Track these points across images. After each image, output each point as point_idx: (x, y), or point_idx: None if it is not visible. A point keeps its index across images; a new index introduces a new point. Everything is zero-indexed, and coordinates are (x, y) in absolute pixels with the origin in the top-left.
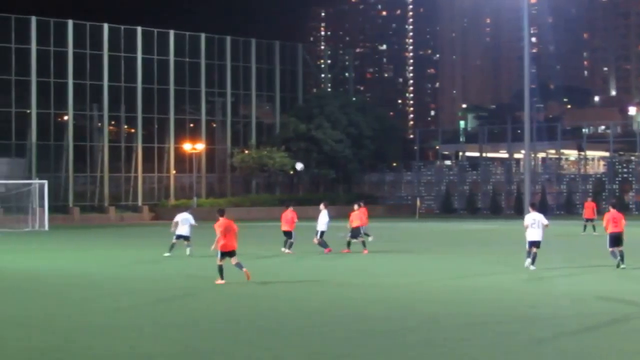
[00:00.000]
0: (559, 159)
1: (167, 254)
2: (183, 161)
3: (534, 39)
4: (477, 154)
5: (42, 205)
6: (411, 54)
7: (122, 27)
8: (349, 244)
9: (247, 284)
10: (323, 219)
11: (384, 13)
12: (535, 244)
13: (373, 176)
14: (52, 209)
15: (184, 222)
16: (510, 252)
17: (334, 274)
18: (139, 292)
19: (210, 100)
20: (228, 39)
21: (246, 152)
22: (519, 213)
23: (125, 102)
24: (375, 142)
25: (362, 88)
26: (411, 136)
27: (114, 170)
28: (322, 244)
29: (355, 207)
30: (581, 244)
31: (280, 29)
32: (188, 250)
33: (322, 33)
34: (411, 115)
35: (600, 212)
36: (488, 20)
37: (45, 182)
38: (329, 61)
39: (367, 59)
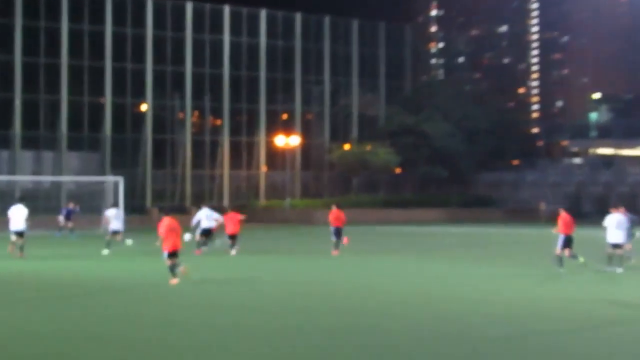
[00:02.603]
0: None
1: (106, 252)
2: (275, 157)
3: None
4: (611, 151)
5: (116, 205)
6: (535, 36)
7: (208, 5)
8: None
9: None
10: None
11: None
12: (616, 246)
13: (489, 176)
14: (128, 209)
15: (117, 217)
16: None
17: (435, 286)
18: (225, 305)
19: (306, 88)
20: (327, 19)
21: (346, 147)
22: None
23: (211, 91)
24: (493, 137)
25: (477, 75)
26: (534, 130)
27: (197, 167)
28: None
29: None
30: None
31: (385, 9)
32: (129, 242)
33: (433, 13)
34: (534, 107)
35: None
36: None
37: (121, 178)
38: (440, 45)
39: (483, 43)
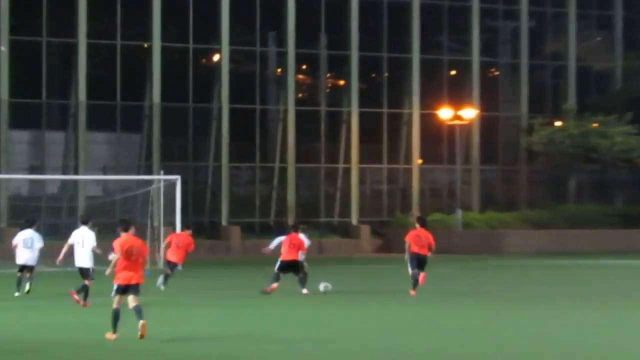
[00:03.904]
0: None
1: (17, 294)
2: (435, 140)
3: None
4: None
5: (170, 223)
6: None
7: None
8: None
9: None
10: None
11: None
12: None
13: None
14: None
15: (26, 243)
16: None
17: None
18: None
19: (487, 24)
20: None
21: (557, 124)
22: None
23: (327, 30)
24: None
25: None
26: None
27: (305, 158)
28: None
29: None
30: None
31: None
32: (27, 286)
33: None
34: None
35: None
36: None
37: (178, 177)
38: None
39: None
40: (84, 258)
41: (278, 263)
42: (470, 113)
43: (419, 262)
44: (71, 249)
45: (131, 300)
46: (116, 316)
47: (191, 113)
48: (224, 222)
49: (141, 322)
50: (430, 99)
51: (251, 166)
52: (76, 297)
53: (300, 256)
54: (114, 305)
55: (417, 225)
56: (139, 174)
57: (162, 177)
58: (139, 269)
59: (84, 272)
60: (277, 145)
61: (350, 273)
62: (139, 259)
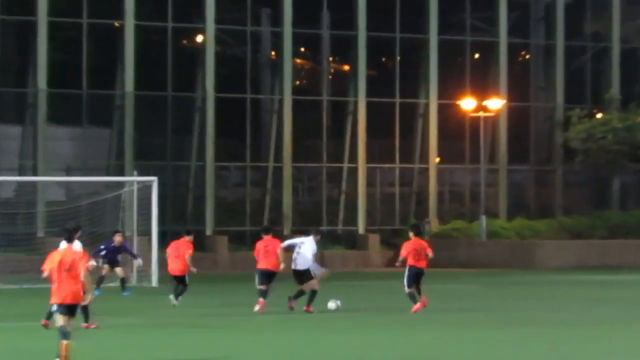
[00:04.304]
0: None
1: None
2: (456, 136)
3: None
4: None
5: (145, 232)
6: None
7: None
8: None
9: None
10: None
11: None
12: None
13: None
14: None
15: None
16: None
17: None
18: None
19: (517, 0)
20: None
21: (598, 116)
22: None
23: (330, 7)
24: None
25: None
26: None
27: (303, 156)
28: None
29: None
30: None
31: None
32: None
33: None
34: None
35: None
36: None
37: (155, 179)
38: None
39: None
40: None
41: (257, 276)
42: (496, 103)
43: (417, 277)
44: None
45: (61, 320)
46: (65, 334)
47: (170, 104)
48: (208, 232)
49: (63, 341)
50: (450, 87)
51: (241, 166)
52: (94, 325)
53: (307, 265)
54: (60, 323)
55: (411, 235)
56: (108, 175)
57: (136, 178)
58: (76, 285)
59: None
60: (271, 141)
61: (357, 290)
62: (76, 274)
